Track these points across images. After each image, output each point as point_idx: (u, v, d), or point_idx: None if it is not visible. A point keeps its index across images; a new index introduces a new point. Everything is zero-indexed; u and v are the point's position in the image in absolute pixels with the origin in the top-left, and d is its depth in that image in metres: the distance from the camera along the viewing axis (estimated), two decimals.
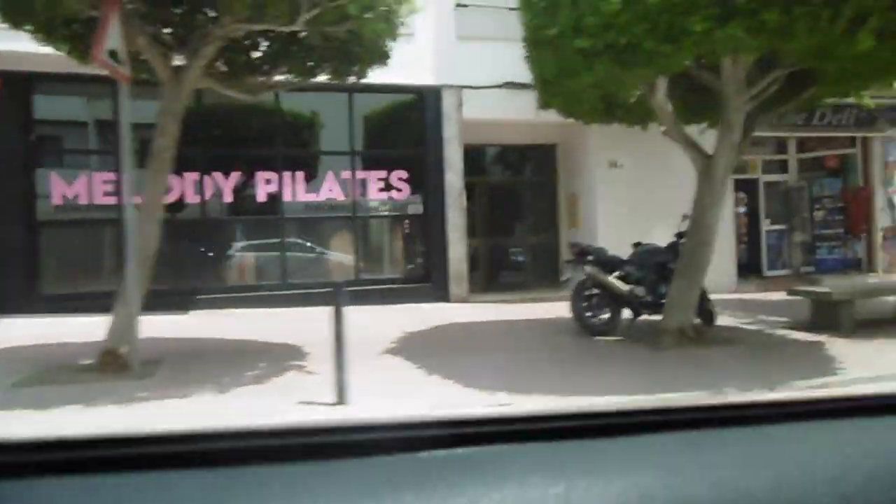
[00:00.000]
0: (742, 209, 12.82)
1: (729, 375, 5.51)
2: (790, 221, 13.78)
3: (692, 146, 6.92)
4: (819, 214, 13.64)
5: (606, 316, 7.47)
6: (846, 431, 0.71)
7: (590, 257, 7.42)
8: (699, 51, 5.17)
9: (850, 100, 12.60)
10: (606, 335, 7.34)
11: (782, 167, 13.98)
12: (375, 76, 10.54)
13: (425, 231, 11.13)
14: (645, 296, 7.37)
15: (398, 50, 11.08)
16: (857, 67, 5.86)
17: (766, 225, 13.79)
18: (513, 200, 13.32)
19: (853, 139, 13.41)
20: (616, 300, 7.40)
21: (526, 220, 13.21)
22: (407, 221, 11.38)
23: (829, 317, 7.43)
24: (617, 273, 7.44)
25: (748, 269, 13.64)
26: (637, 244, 8.04)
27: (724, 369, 5.77)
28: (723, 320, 8.32)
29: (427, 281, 11.03)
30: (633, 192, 11.92)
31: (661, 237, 12.17)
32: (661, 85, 6.50)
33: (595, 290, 7.41)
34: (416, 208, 11.16)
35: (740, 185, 13.92)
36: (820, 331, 7.36)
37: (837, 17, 5.01)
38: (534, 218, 13.19)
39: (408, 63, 10.85)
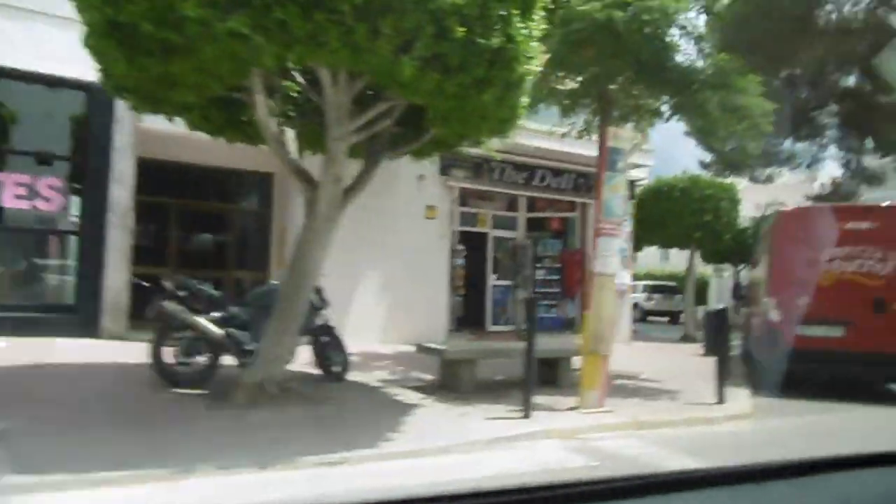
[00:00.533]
0: (460, 261, 12.53)
1: (245, 445, 4.47)
2: (515, 278, 13.82)
3: (299, 174, 6.06)
4: (541, 273, 13.82)
5: (203, 363, 6.27)
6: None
7: (181, 293, 6.20)
8: (218, 48, 4.25)
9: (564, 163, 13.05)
10: (198, 386, 6.10)
11: (512, 224, 14.10)
12: (26, 63, 8.93)
13: (79, 252, 9.31)
14: (249, 342, 6.27)
15: (58, 38, 9.55)
16: (443, 106, 5.36)
17: (492, 280, 13.70)
18: (224, 230, 11.95)
19: (573, 203, 13.86)
20: (212, 346, 6.23)
21: (239, 252, 11.88)
22: (55, 238, 9.50)
23: (453, 377, 6.86)
24: (218, 314, 6.29)
25: (471, 322, 13.37)
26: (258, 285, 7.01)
27: (256, 437, 4.74)
28: (364, 376, 7.50)
29: (74, 312, 9.17)
30: (352, 230, 11.08)
31: (381, 281, 11.50)
32: (260, 97, 5.57)
33: (188, 333, 6.19)
34: (69, 224, 9.35)
35: (470, 238, 13.79)
36: (442, 391, 6.75)
37: (378, 36, 4.37)
38: (246, 251, 11.91)
39: (75, 55, 9.25)
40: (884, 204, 8.41)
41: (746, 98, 7.56)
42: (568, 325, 13.58)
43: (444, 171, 11.91)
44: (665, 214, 15.21)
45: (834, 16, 19.10)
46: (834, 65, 19.68)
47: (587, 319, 6.12)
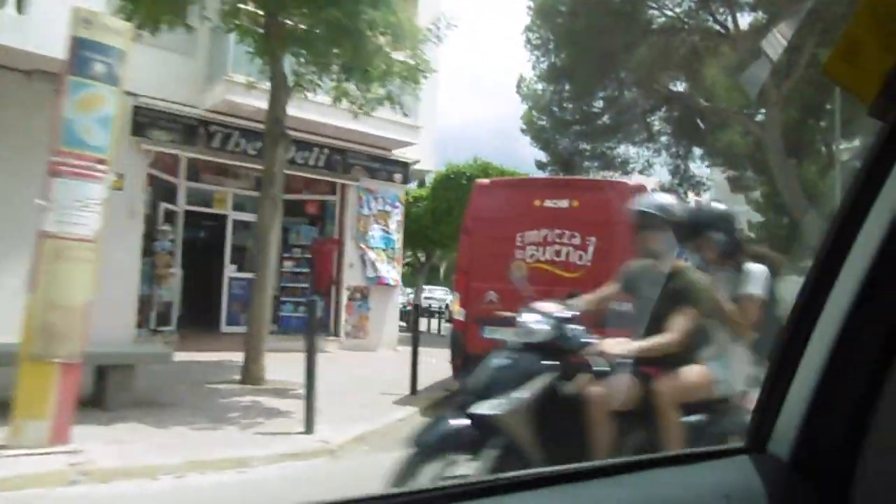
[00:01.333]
0: (167, 244, 10.02)
1: None
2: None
3: None
4: (289, 265, 11.56)
5: None
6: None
7: None
8: None
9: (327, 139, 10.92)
10: None
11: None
12: None
13: None
14: None
15: None
16: None
17: (231, 271, 11.29)
18: None
19: (333, 184, 11.71)
20: None
21: None
22: None
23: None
24: None
25: (199, 321, 10.92)
26: None
27: None
28: None
29: None
30: None
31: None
32: None
33: None
34: None
35: (203, 220, 11.35)
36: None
37: None
38: None
39: None
40: (587, 178, 6.74)
41: (397, 17, 5.61)
42: (319, 327, 11.36)
43: (138, 131, 9.38)
44: (454, 204, 13.41)
45: (656, 13, 18.30)
46: (660, 66, 18.85)
47: (29, 307, 3.83)
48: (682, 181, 21.85)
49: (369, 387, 7.37)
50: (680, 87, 20.26)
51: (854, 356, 0.78)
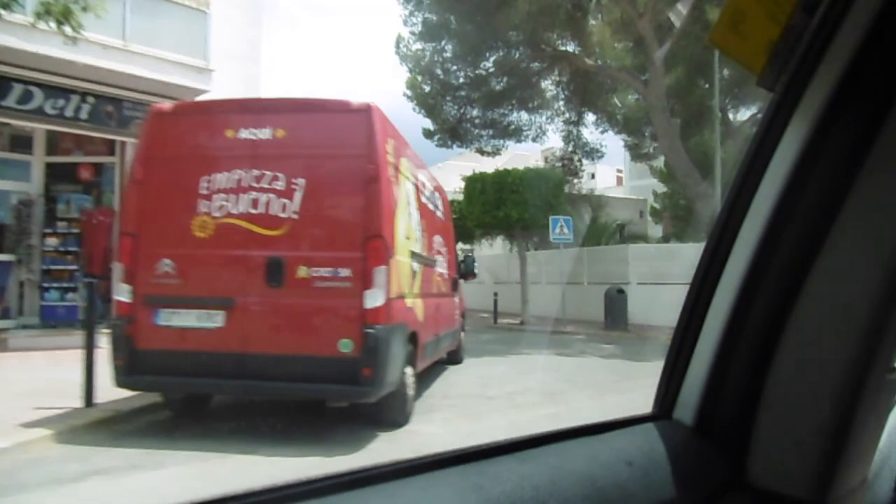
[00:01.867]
0: None
1: None
2: (17, 250, 9.19)
3: None
4: (53, 243, 9.29)
5: None
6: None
7: None
8: None
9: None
10: None
11: (22, 172, 9.42)
12: None
13: None
14: None
15: None
16: None
17: None
18: None
19: (112, 143, 9.48)
20: None
21: None
22: None
23: None
24: None
25: None
26: None
27: None
28: None
29: None
30: None
31: None
32: None
33: None
34: None
35: None
36: None
37: None
38: None
39: None
40: (297, 98, 4.84)
41: None
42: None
43: None
44: None
45: None
46: (544, 23, 17.18)
47: None
48: (577, 148, 20.47)
49: (46, 396, 5.34)
50: (569, 47, 18.70)
51: (748, 323, 0.80)
